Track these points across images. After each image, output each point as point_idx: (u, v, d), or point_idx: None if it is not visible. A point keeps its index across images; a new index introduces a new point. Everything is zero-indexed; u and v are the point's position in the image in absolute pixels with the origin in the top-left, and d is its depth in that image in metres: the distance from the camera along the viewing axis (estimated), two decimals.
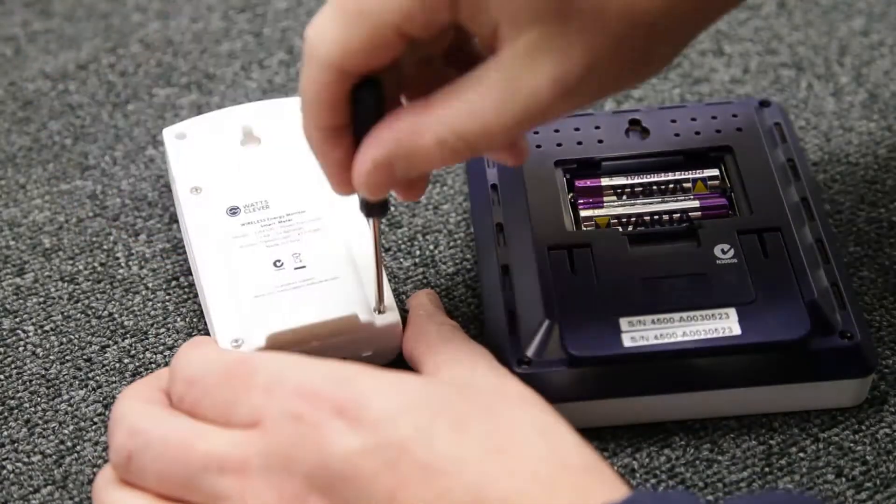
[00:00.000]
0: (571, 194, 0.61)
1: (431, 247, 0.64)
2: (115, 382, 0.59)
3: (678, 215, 0.59)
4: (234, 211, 0.60)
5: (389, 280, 0.61)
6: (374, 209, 0.53)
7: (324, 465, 0.44)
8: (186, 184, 0.61)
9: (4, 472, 0.56)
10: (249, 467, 0.45)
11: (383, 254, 0.61)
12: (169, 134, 0.63)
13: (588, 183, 0.61)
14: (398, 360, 0.58)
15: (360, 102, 0.49)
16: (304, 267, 0.58)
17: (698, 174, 0.61)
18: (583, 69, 0.46)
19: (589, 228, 0.59)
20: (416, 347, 0.53)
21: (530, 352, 0.55)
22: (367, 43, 0.46)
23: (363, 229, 0.58)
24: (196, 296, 0.62)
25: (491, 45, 0.47)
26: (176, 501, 0.47)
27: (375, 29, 0.46)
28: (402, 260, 0.63)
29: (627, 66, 0.48)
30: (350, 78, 0.48)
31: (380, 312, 0.56)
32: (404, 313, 0.57)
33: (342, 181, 0.50)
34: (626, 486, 0.44)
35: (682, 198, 0.60)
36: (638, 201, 0.60)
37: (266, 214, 0.60)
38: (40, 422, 0.58)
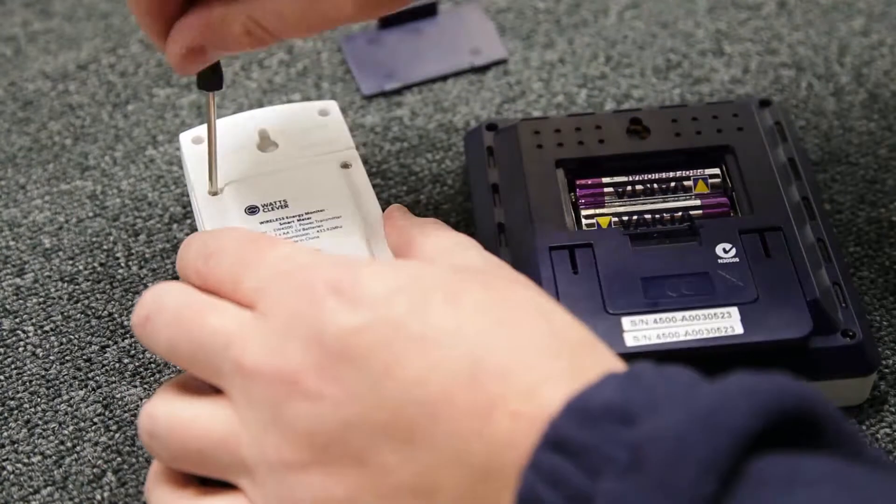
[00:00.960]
0: (572, 194, 0.61)
1: None
2: (114, 382, 0.59)
3: (679, 215, 0.59)
4: (252, 210, 0.59)
5: None
6: (208, 83, 0.56)
7: (320, 343, 0.44)
8: (204, 187, 0.61)
9: (4, 472, 0.56)
10: (252, 344, 0.46)
11: None
12: (185, 138, 0.63)
13: (589, 182, 0.61)
14: None
15: None
16: None
17: (699, 174, 0.61)
18: None
19: (590, 228, 0.59)
20: (401, 246, 0.54)
21: None
22: None
23: (381, 228, 0.58)
24: None
25: None
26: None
27: None
28: None
29: None
30: None
31: (212, 194, 0.58)
32: None
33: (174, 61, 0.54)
34: (622, 362, 0.44)
35: (684, 197, 0.60)
36: (639, 201, 0.60)
37: (285, 213, 0.59)
38: (40, 422, 0.58)
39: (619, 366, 0.43)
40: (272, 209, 0.59)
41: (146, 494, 0.49)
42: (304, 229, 0.59)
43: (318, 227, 0.59)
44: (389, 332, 0.44)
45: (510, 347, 0.43)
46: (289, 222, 0.59)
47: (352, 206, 0.59)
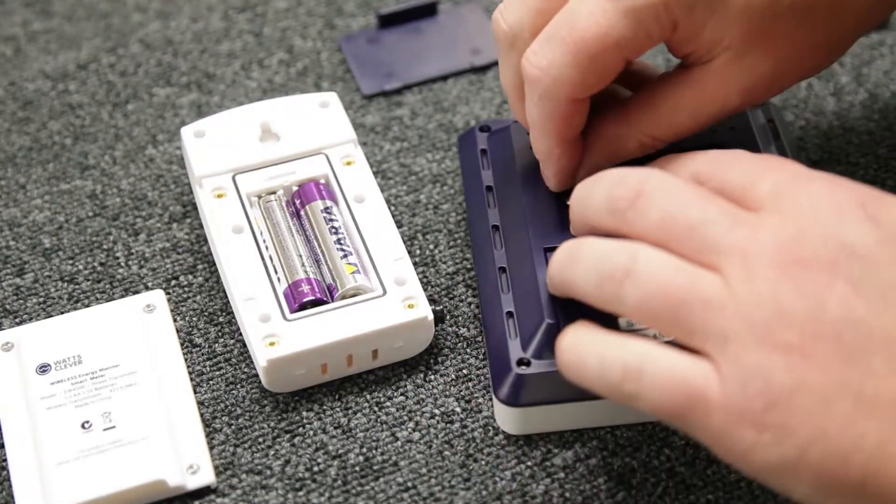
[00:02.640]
0: (567, 194, 0.60)
1: (431, 246, 0.64)
2: None
3: None
4: (44, 369, 0.58)
5: None
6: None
7: (843, 243, 0.45)
8: (209, 183, 0.62)
9: (5, 472, 0.56)
10: (754, 235, 0.47)
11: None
12: (187, 132, 0.63)
13: None
14: (426, 353, 0.59)
15: None
16: (113, 427, 0.56)
17: None
18: (769, 80, 0.54)
19: None
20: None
21: (530, 352, 0.55)
22: (599, 78, 0.53)
23: (177, 383, 0.58)
24: (198, 295, 0.62)
25: (687, 58, 0.54)
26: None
27: (605, 65, 0.53)
28: None
29: (807, 67, 0.56)
30: (582, 104, 0.55)
31: None
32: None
33: (564, 180, 0.58)
34: None
35: None
36: None
37: (77, 371, 0.58)
38: None
39: None
40: (64, 367, 0.58)
41: (562, 354, 0.50)
42: (96, 389, 0.57)
43: (112, 385, 0.57)
44: None
45: None
46: (80, 381, 0.58)
47: (147, 360, 0.58)
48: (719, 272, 0.46)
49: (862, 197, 0.47)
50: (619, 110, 0.56)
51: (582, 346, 0.49)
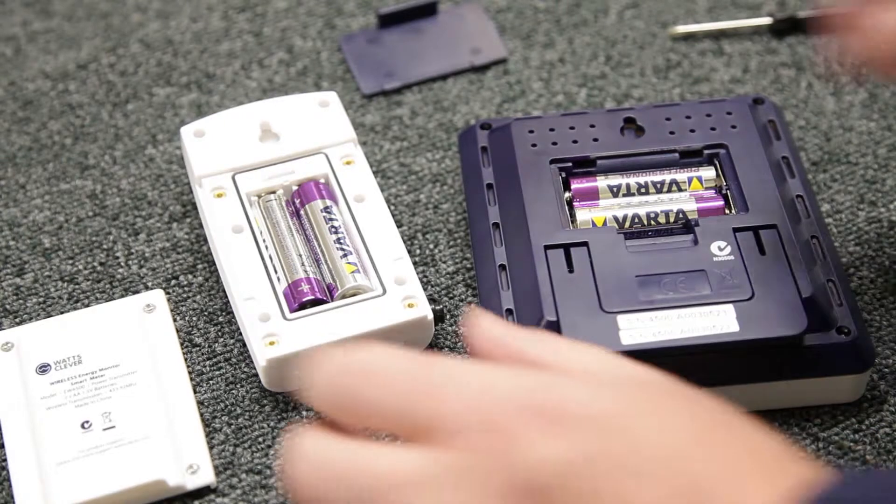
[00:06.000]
0: (567, 193, 0.61)
1: (431, 246, 0.64)
2: None
3: (674, 213, 0.59)
4: (44, 369, 0.58)
5: None
6: None
7: (524, 476, 0.41)
8: (209, 183, 0.62)
9: (5, 472, 0.56)
10: (445, 486, 0.41)
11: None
12: (187, 132, 0.63)
13: (584, 181, 0.61)
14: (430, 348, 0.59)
15: None
16: (113, 427, 0.56)
17: (694, 172, 0.61)
18: None
19: (585, 227, 0.59)
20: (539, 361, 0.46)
21: None
22: None
23: (177, 383, 0.58)
24: (198, 295, 0.62)
25: None
26: None
27: None
28: None
29: None
30: None
31: None
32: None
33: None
34: (818, 468, 0.42)
35: (678, 196, 0.60)
36: (634, 199, 0.60)
37: (77, 371, 0.58)
38: None
39: (816, 473, 0.42)
40: (64, 367, 0.58)
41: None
42: (96, 389, 0.57)
43: (112, 385, 0.57)
44: (599, 459, 0.41)
45: (718, 466, 0.41)
46: (80, 381, 0.57)
47: (147, 360, 0.58)
48: None
49: (536, 407, 0.41)
50: None
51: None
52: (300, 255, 0.59)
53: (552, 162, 0.61)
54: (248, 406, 0.58)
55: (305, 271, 0.59)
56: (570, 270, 0.57)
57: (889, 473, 0.41)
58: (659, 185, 0.60)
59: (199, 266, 0.63)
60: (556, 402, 0.41)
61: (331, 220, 0.60)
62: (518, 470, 0.41)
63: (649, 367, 0.45)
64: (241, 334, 0.60)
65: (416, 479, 0.41)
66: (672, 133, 0.62)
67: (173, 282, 0.62)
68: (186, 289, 0.62)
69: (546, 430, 0.41)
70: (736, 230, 0.57)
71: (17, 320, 0.61)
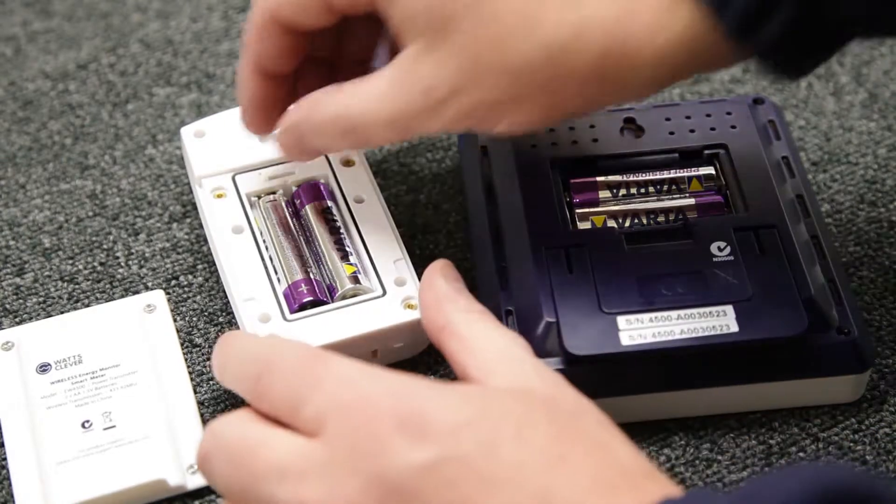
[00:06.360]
0: (567, 193, 0.61)
1: (431, 246, 0.64)
2: None
3: (674, 213, 0.59)
4: (44, 368, 0.58)
5: None
6: None
7: (384, 480, 0.43)
8: (209, 183, 0.62)
9: (5, 472, 0.56)
10: (309, 477, 0.44)
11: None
12: (187, 132, 0.63)
13: (583, 182, 0.61)
14: (426, 354, 0.59)
15: None
16: (113, 427, 0.56)
17: (693, 172, 0.61)
18: (449, 89, 0.50)
19: (585, 227, 0.59)
20: (448, 343, 0.51)
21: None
22: (295, 3, 0.54)
23: (178, 383, 0.58)
24: (198, 295, 0.62)
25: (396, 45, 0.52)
26: None
27: None
28: None
29: (500, 103, 0.50)
30: (283, 31, 0.55)
31: None
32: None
33: (254, 120, 0.58)
34: (681, 488, 0.43)
35: (678, 196, 0.60)
36: (633, 199, 0.60)
37: (77, 371, 0.58)
38: None
39: (678, 492, 0.43)
40: (64, 366, 0.58)
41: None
42: (96, 388, 0.57)
43: (112, 384, 0.57)
44: (456, 470, 0.43)
45: (575, 485, 0.43)
46: (81, 381, 0.58)
47: (147, 360, 0.58)
48: None
49: (402, 416, 0.44)
50: (336, 84, 0.55)
51: None
52: (300, 256, 0.59)
53: (552, 162, 0.61)
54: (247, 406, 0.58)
55: (305, 272, 0.59)
56: (570, 271, 0.57)
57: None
58: (659, 186, 0.60)
59: (200, 266, 0.63)
60: (420, 410, 0.44)
61: (331, 220, 0.60)
62: (379, 472, 0.43)
63: (550, 375, 0.48)
64: None
65: (285, 466, 0.45)
66: (672, 133, 0.62)
67: (173, 282, 0.62)
68: (187, 289, 0.62)
69: (408, 437, 0.43)
70: (736, 230, 0.57)
71: (17, 320, 0.61)
